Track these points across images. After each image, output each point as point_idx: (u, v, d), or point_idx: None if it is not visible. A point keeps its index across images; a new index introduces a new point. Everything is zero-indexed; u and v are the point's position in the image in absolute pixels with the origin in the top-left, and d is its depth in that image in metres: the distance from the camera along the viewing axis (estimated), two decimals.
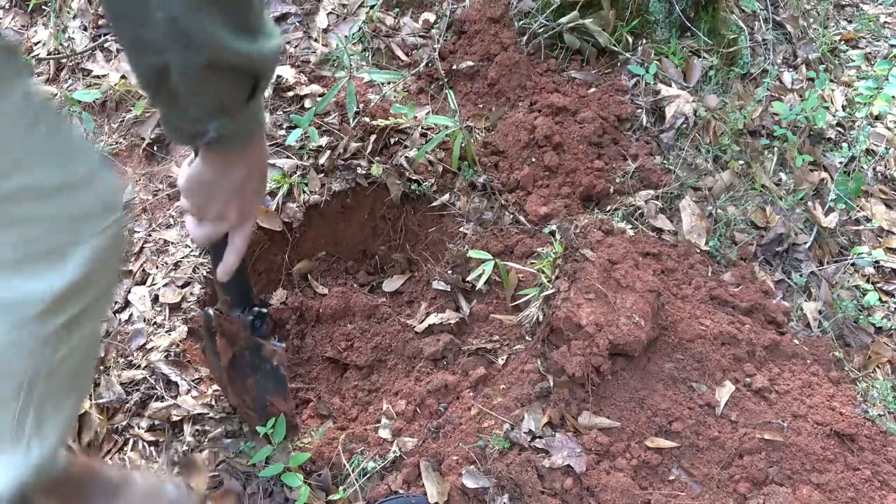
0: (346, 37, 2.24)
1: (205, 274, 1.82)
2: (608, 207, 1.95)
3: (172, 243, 1.87)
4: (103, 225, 0.90)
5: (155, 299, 1.78)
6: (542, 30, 2.17)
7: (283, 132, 2.01)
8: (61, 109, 1.66)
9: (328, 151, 1.98)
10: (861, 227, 2.08)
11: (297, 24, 2.32)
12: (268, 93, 2.10)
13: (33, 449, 0.92)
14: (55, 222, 0.87)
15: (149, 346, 1.69)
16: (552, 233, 1.84)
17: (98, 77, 2.21)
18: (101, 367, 1.68)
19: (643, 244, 1.82)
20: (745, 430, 1.55)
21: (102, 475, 1.21)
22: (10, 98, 0.80)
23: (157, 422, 1.58)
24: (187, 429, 1.56)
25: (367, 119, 2.02)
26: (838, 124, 2.32)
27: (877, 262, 1.98)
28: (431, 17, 2.35)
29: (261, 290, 1.96)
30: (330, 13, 2.34)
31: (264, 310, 1.39)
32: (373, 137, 2.01)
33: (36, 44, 2.30)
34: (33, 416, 0.91)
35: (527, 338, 1.69)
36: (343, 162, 1.99)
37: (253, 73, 0.81)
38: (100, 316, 1.01)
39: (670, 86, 2.10)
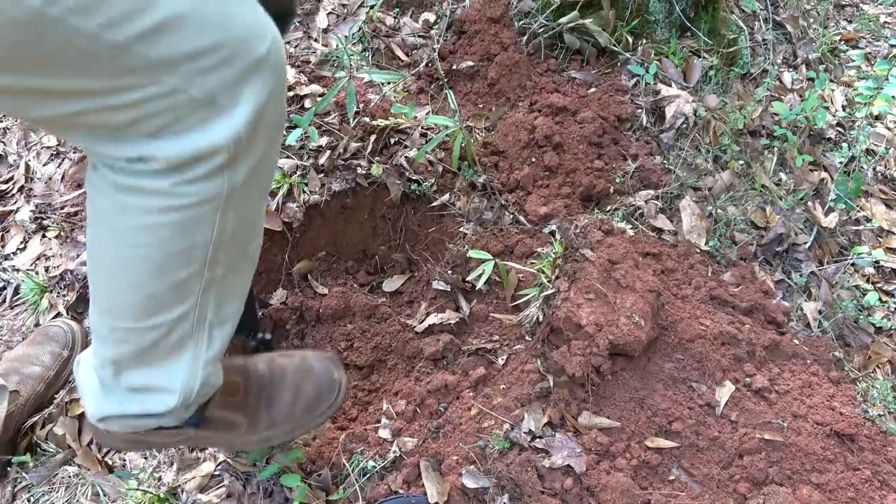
0: (346, 37, 2.24)
1: None
2: (608, 207, 1.95)
3: None
4: (262, 55, 0.80)
5: None
6: (542, 30, 2.17)
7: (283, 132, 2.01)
8: None
9: (328, 151, 1.98)
10: (861, 227, 2.08)
11: (297, 24, 2.32)
12: None
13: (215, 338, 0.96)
14: (210, 60, 0.76)
15: None
16: (552, 233, 1.84)
17: None
18: None
19: (643, 244, 1.82)
20: (745, 430, 1.55)
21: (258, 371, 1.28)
22: None
23: None
24: None
25: (367, 119, 2.02)
26: (838, 124, 2.32)
27: (877, 262, 1.98)
28: (431, 17, 2.35)
29: (261, 290, 1.96)
30: (330, 13, 2.34)
31: (268, 336, 1.41)
32: (373, 137, 2.01)
33: None
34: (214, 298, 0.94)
35: (527, 338, 1.69)
36: (343, 162, 1.99)
37: None
38: (268, 177, 0.95)
39: (670, 86, 2.10)
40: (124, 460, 1.55)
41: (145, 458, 1.54)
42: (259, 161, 0.86)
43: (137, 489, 1.45)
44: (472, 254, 1.78)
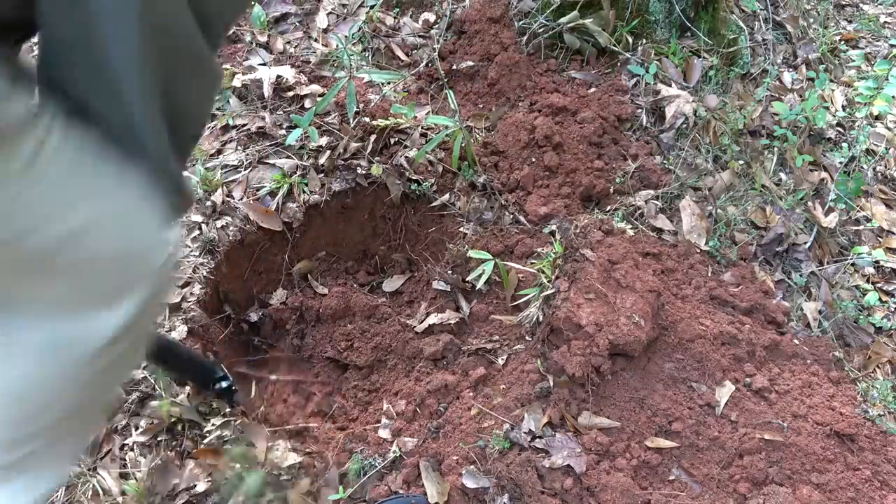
0: (346, 37, 2.24)
1: (205, 274, 1.82)
2: (608, 207, 1.95)
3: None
4: (159, 260, 0.90)
5: None
6: (542, 30, 2.17)
7: (283, 132, 2.01)
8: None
9: (328, 151, 1.98)
10: (861, 227, 2.08)
11: (297, 24, 2.32)
12: (268, 93, 2.10)
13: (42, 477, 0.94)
14: (113, 261, 0.87)
15: None
16: (552, 233, 1.84)
17: None
18: None
19: (643, 244, 1.82)
20: (745, 430, 1.55)
21: None
22: (53, 134, 0.79)
23: (155, 421, 1.57)
24: (185, 430, 1.56)
25: (367, 119, 2.02)
26: (838, 124, 2.32)
27: (877, 262, 1.98)
28: (431, 17, 2.35)
29: (261, 290, 1.96)
30: (330, 13, 2.34)
31: (224, 384, 1.46)
32: (373, 137, 2.01)
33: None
34: (58, 447, 0.94)
35: (527, 338, 1.69)
36: (343, 162, 1.99)
37: None
38: (139, 352, 1.02)
39: (670, 86, 2.10)
40: (124, 460, 1.55)
41: (144, 457, 1.54)
42: (119, 357, 0.92)
43: (136, 489, 1.45)
44: (472, 254, 1.78)
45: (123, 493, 1.47)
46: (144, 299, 0.89)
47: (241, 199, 1.91)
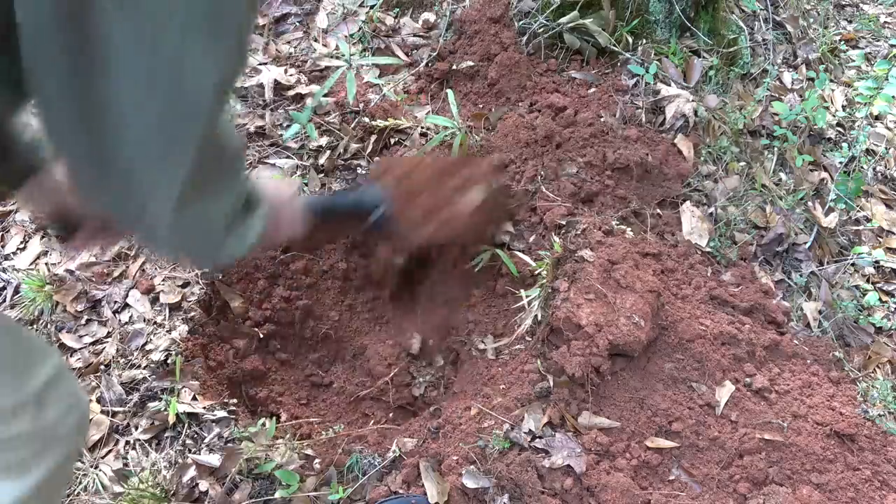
0: (346, 37, 2.24)
1: (204, 272, 1.82)
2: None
3: None
4: (65, 433, 0.96)
5: (154, 300, 1.78)
6: (542, 30, 2.17)
7: (282, 132, 2.01)
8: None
9: (328, 151, 1.99)
10: (861, 227, 2.08)
11: (297, 24, 2.32)
12: (269, 94, 2.10)
13: None
14: (18, 439, 0.91)
15: (149, 347, 1.69)
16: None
17: None
18: (103, 367, 1.68)
19: (643, 244, 1.82)
20: (745, 430, 1.55)
21: None
22: None
23: (155, 421, 1.58)
24: (186, 429, 1.56)
25: (367, 119, 2.02)
26: (838, 124, 2.32)
27: (877, 262, 1.98)
28: (431, 17, 2.35)
29: (261, 291, 1.96)
30: (330, 13, 2.34)
31: (379, 209, 1.35)
32: (373, 137, 2.01)
33: None
34: None
35: (527, 338, 1.69)
36: (343, 162, 1.99)
37: None
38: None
39: (670, 86, 2.10)
40: (125, 458, 1.55)
41: (146, 455, 1.54)
42: None
43: (137, 486, 1.46)
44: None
45: (124, 490, 1.47)
46: (54, 465, 0.95)
47: None
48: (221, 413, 1.60)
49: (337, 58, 2.13)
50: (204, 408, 1.60)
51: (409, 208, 1.38)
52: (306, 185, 1.94)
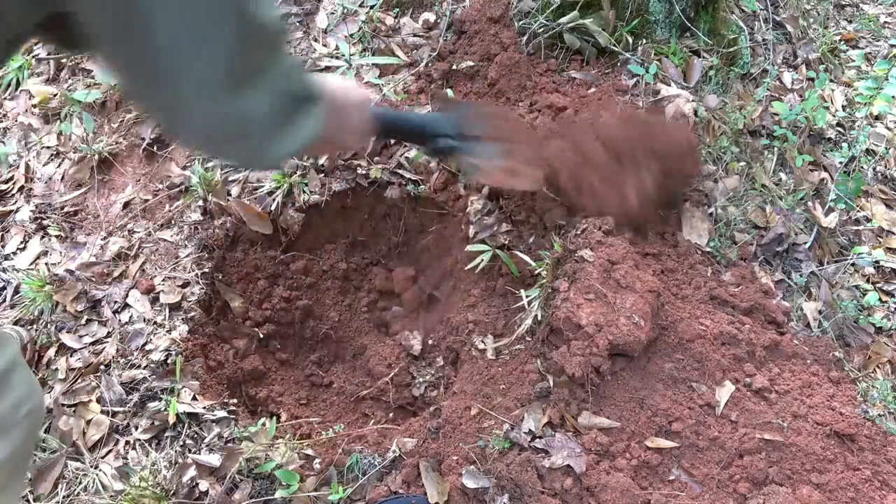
0: (346, 37, 2.24)
1: (204, 272, 1.82)
2: None
3: (171, 243, 1.87)
4: (19, 420, 0.97)
5: (154, 299, 1.79)
6: (542, 30, 2.16)
7: None
8: None
9: None
10: (861, 227, 2.08)
11: (297, 24, 2.32)
12: None
13: None
14: None
15: (149, 347, 1.69)
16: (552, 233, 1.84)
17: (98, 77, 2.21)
18: (103, 367, 1.68)
19: (643, 244, 1.82)
20: (745, 430, 1.55)
21: None
22: None
23: (155, 421, 1.58)
24: (185, 430, 1.56)
25: None
26: (838, 124, 2.32)
27: (877, 262, 1.98)
28: (431, 17, 2.34)
29: (261, 291, 1.96)
30: (330, 13, 2.34)
31: (446, 142, 1.38)
32: (373, 138, 2.01)
33: (36, 44, 2.31)
34: None
35: (527, 338, 1.69)
36: (343, 162, 1.99)
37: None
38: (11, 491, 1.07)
39: (670, 86, 2.10)
40: (125, 458, 1.55)
41: (147, 455, 1.54)
42: None
43: (137, 486, 1.46)
44: (470, 247, 1.79)
45: (124, 490, 1.47)
46: (13, 447, 0.96)
47: (238, 196, 1.91)
48: (221, 413, 1.60)
49: (337, 58, 2.13)
50: (204, 408, 1.60)
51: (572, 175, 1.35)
52: (306, 185, 1.94)
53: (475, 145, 1.40)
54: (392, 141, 1.44)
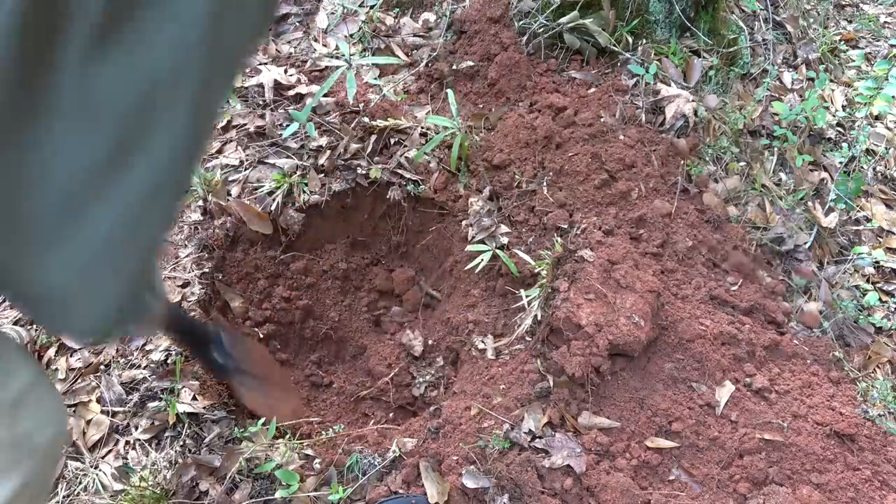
0: (346, 37, 2.24)
1: (204, 272, 1.82)
2: None
3: (171, 243, 1.87)
4: (41, 444, 0.94)
5: None
6: (542, 30, 2.17)
7: (282, 131, 2.01)
8: None
9: (328, 151, 1.98)
10: (861, 227, 2.08)
11: (297, 24, 2.32)
12: (269, 94, 2.10)
13: None
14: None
15: (148, 347, 1.69)
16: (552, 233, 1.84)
17: None
18: (103, 367, 1.68)
19: (643, 244, 1.82)
20: (745, 430, 1.55)
21: None
22: None
23: (155, 421, 1.58)
24: (185, 430, 1.56)
25: (367, 119, 2.02)
26: (838, 124, 2.32)
27: (877, 262, 1.98)
28: (431, 17, 2.35)
29: (261, 291, 1.96)
30: (330, 13, 2.34)
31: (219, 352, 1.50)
32: (373, 138, 2.01)
33: None
34: None
35: (527, 338, 1.69)
36: (343, 162, 1.99)
37: None
38: None
39: (670, 86, 2.10)
40: (125, 458, 1.55)
41: (146, 455, 1.54)
42: None
43: (137, 486, 1.46)
44: (470, 247, 1.79)
45: (124, 490, 1.47)
46: (25, 479, 0.93)
47: (238, 196, 1.91)
48: (221, 413, 1.60)
49: (337, 58, 2.13)
50: (204, 408, 1.60)
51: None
52: (306, 185, 1.94)
53: (244, 376, 1.57)
54: (178, 339, 1.62)
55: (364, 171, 1.98)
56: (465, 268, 1.84)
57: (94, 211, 0.61)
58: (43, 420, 0.96)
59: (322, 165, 1.97)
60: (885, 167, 2.27)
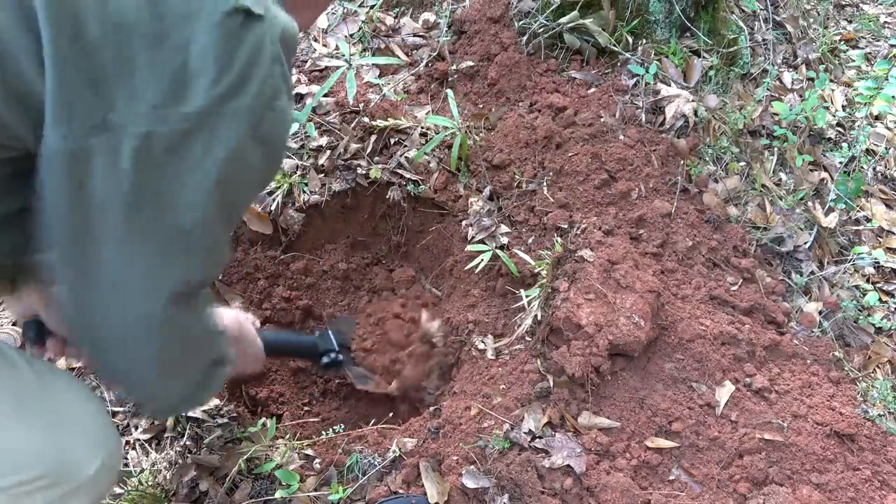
0: (346, 37, 2.24)
1: None
2: None
3: None
4: (90, 470, 0.97)
5: None
6: (542, 30, 2.17)
7: None
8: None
9: (328, 151, 1.98)
10: (861, 227, 2.08)
11: None
12: None
13: None
14: (42, 479, 0.92)
15: None
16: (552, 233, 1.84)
17: None
18: None
19: (643, 244, 1.82)
20: (745, 430, 1.55)
21: None
22: None
23: (155, 422, 1.58)
24: (185, 430, 1.56)
25: (367, 119, 2.02)
26: (838, 124, 2.32)
27: (877, 262, 1.98)
28: (431, 17, 2.35)
29: (261, 291, 1.96)
30: (330, 13, 2.34)
31: (329, 357, 1.66)
32: (373, 138, 2.01)
33: None
34: None
35: (527, 338, 1.69)
36: (343, 162, 1.99)
37: None
38: None
39: (670, 86, 2.10)
40: (125, 458, 1.55)
41: (146, 455, 1.54)
42: None
43: (137, 486, 1.46)
44: (470, 247, 1.79)
45: (124, 490, 1.47)
46: None
47: None
48: (222, 413, 1.60)
49: (337, 58, 2.13)
50: (204, 408, 1.60)
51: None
52: (306, 185, 1.94)
53: (352, 364, 1.71)
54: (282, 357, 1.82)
55: (364, 171, 1.97)
56: (465, 268, 1.84)
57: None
58: (90, 451, 0.98)
59: (322, 165, 1.97)
60: (885, 167, 2.27)
